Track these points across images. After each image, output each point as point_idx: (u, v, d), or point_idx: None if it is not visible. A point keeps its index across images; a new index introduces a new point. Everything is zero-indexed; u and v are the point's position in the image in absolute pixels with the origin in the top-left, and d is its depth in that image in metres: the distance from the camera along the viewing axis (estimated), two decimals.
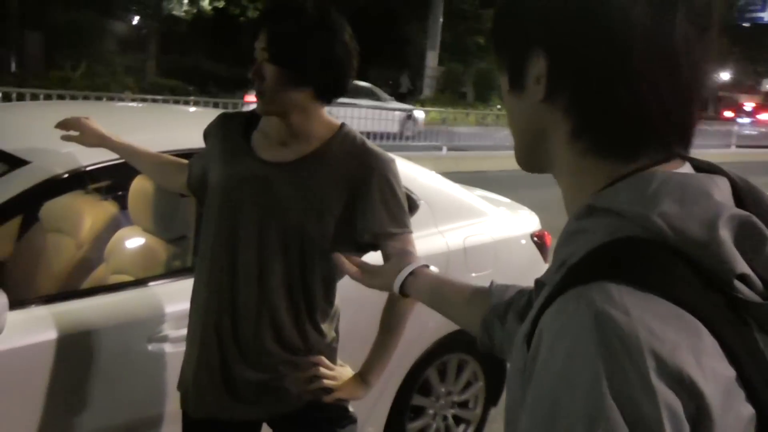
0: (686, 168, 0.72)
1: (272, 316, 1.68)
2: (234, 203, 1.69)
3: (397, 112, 15.69)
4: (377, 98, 16.95)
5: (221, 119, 1.86)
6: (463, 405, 3.16)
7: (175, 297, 2.10)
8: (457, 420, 3.17)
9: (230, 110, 1.96)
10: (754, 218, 0.65)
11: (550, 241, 3.48)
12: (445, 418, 3.09)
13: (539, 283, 0.77)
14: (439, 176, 3.11)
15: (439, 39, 24.94)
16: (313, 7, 1.60)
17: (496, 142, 16.13)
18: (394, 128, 14.67)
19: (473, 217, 3.08)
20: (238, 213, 1.68)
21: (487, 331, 1.12)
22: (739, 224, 0.64)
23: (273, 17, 1.61)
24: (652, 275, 0.61)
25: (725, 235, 0.63)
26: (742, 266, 0.62)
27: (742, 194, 0.70)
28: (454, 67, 28.41)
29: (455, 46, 29.29)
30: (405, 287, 1.24)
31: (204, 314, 1.72)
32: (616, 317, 0.59)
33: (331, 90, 1.67)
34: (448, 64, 28.53)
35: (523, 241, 3.31)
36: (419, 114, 16.52)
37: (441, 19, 24.51)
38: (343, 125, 1.75)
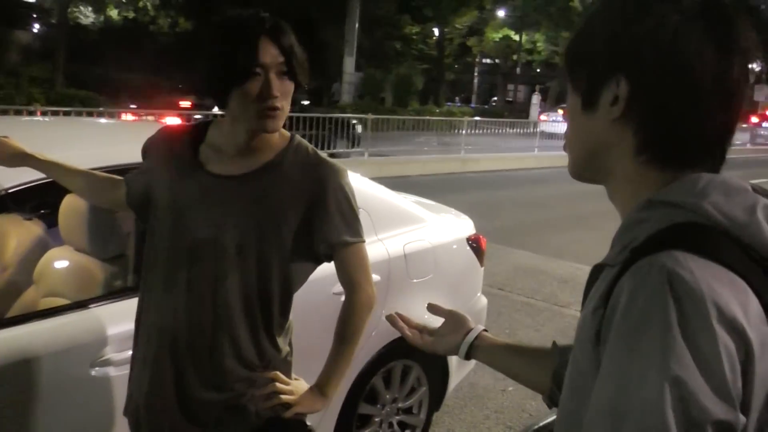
0: None
1: (230, 332, 1.64)
2: (187, 220, 1.63)
3: None
4: None
5: (164, 133, 1.79)
6: (408, 411, 3.18)
7: (117, 318, 2.03)
8: (402, 426, 3.18)
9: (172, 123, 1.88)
10: None
11: (485, 244, 3.54)
12: (391, 425, 3.11)
13: (599, 266, 0.88)
14: (376, 183, 3.12)
15: (356, 45, 25.00)
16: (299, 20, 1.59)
17: (416, 147, 16.37)
18: None
19: (412, 224, 3.10)
20: (191, 229, 1.63)
21: (557, 383, 1.18)
22: None
23: (275, 29, 1.55)
24: (709, 246, 0.75)
25: (762, 218, 0.78)
26: None
27: (759, 192, 0.85)
28: (373, 73, 28.58)
29: (373, 52, 29.48)
30: (471, 351, 1.31)
31: (157, 334, 1.66)
32: (684, 275, 0.72)
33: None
34: (367, 70, 28.68)
35: (460, 246, 3.36)
36: None
37: (357, 25, 24.58)
38: (294, 136, 1.73)
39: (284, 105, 1.58)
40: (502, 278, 6.60)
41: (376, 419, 3.02)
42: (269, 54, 1.53)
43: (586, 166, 0.94)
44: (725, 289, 0.72)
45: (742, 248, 0.76)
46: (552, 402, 1.21)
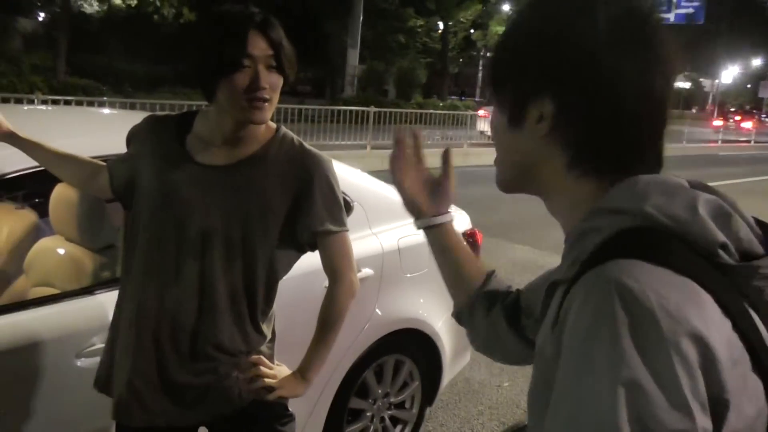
0: None
1: (214, 320, 1.66)
2: (172, 209, 1.64)
3: None
4: None
5: (151, 122, 1.79)
6: (400, 406, 3.17)
7: (106, 309, 2.01)
8: (394, 421, 3.17)
9: (160, 113, 1.86)
10: (721, 200, 0.79)
11: (481, 240, 3.52)
12: (382, 419, 3.09)
13: (553, 284, 0.86)
14: (371, 177, 3.10)
15: (360, 37, 24.95)
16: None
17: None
18: None
19: (406, 218, 3.06)
20: (177, 219, 1.64)
21: (469, 306, 1.19)
22: (711, 206, 0.78)
23: (264, 23, 1.56)
24: (654, 252, 0.73)
25: (704, 214, 0.76)
26: (722, 237, 0.76)
27: (695, 186, 0.83)
28: (376, 65, 28.51)
29: (376, 45, 29.40)
30: (427, 230, 1.22)
31: (139, 321, 1.67)
32: (629, 284, 0.70)
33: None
34: (370, 62, 28.61)
35: None
36: None
37: (361, 17, 24.52)
38: (279, 127, 1.75)
39: (272, 97, 1.60)
40: (500, 273, 6.51)
41: (368, 414, 3.01)
42: (258, 47, 1.54)
43: (516, 181, 0.93)
44: (675, 294, 0.70)
45: (689, 247, 0.75)
46: (458, 319, 1.22)
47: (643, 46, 0.82)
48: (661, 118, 0.84)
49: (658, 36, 0.83)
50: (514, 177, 0.93)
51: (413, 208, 1.23)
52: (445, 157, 1.24)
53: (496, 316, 1.17)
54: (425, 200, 1.22)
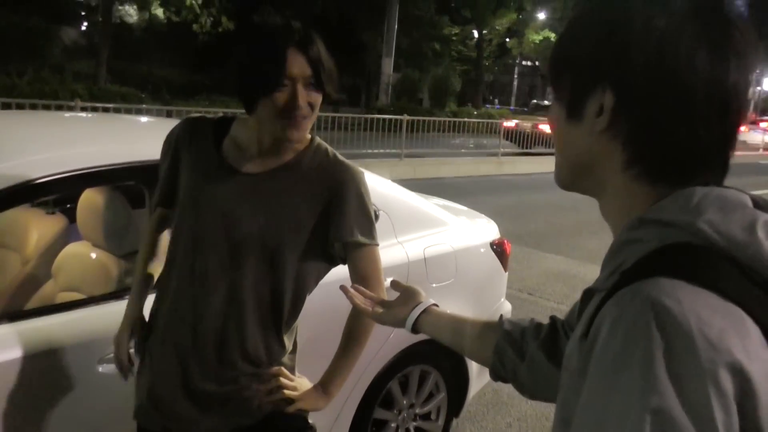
0: None
1: (239, 329, 1.65)
2: (205, 214, 1.64)
3: None
4: None
5: (189, 124, 1.78)
6: (426, 417, 3.13)
7: None
8: None
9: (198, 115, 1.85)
10: None
11: (510, 249, 3.48)
12: (407, 430, 3.06)
13: (589, 291, 0.82)
14: (398, 186, 3.08)
15: (394, 45, 24.98)
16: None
17: (452, 149, 16.28)
18: None
19: (433, 227, 3.05)
20: (208, 224, 1.64)
21: (499, 358, 1.20)
22: None
23: (304, 41, 1.54)
24: (701, 272, 0.68)
25: (763, 236, 0.71)
26: None
27: (760, 206, 0.78)
28: (410, 74, 28.52)
29: (411, 53, 29.44)
30: (417, 325, 1.31)
31: (164, 325, 1.68)
32: (669, 305, 0.65)
33: None
34: (404, 71, 28.63)
35: (483, 250, 3.30)
36: None
37: (396, 26, 24.56)
38: (314, 137, 1.73)
39: (310, 115, 1.59)
40: (533, 283, 6.50)
41: (393, 424, 2.98)
42: (297, 66, 1.53)
43: (573, 178, 0.88)
44: (718, 320, 0.64)
45: (741, 270, 0.69)
46: (497, 377, 1.22)
47: (716, 34, 0.75)
48: (734, 117, 0.77)
49: (735, 25, 0.76)
50: (571, 174, 0.88)
51: (397, 321, 1.34)
52: (395, 286, 1.39)
53: (533, 356, 1.15)
54: (400, 309, 1.33)
